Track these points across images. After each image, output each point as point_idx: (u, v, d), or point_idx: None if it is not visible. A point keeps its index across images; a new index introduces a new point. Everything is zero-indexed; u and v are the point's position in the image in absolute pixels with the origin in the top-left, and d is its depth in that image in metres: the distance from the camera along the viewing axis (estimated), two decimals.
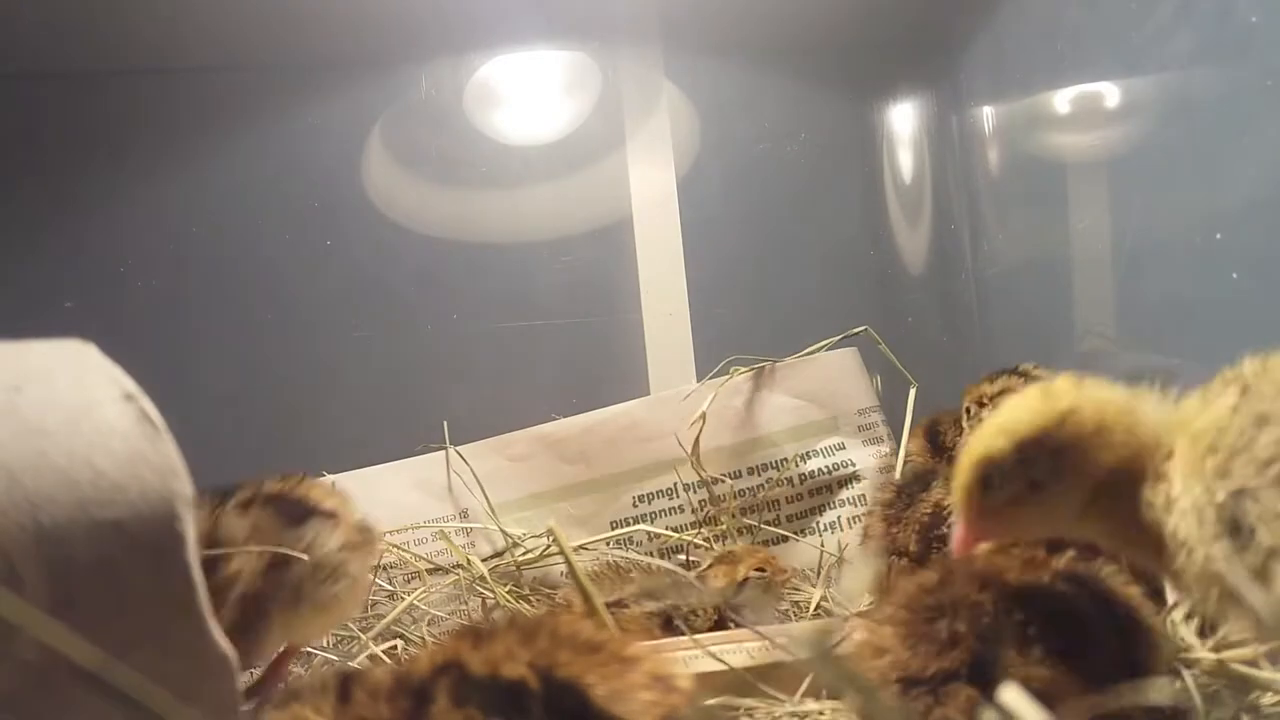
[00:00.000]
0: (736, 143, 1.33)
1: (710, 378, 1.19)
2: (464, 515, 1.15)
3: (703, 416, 1.13)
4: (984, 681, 0.52)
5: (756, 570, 0.91)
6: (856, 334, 1.20)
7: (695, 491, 1.15)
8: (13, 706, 0.36)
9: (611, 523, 1.15)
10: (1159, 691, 0.48)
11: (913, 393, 1.15)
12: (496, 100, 1.30)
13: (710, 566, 0.94)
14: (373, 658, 0.91)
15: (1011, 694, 0.40)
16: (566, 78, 1.32)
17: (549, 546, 1.08)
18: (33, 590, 0.36)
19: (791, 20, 1.29)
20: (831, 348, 1.20)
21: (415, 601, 1.02)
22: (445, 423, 1.17)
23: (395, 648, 0.96)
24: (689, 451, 1.13)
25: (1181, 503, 0.46)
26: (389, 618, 0.99)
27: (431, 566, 1.09)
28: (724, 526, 1.12)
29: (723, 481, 1.14)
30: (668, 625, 0.81)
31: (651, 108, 1.30)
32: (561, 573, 1.07)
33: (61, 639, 0.33)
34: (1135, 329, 0.97)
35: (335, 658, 0.98)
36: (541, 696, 0.37)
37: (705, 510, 1.14)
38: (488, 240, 1.30)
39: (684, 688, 0.41)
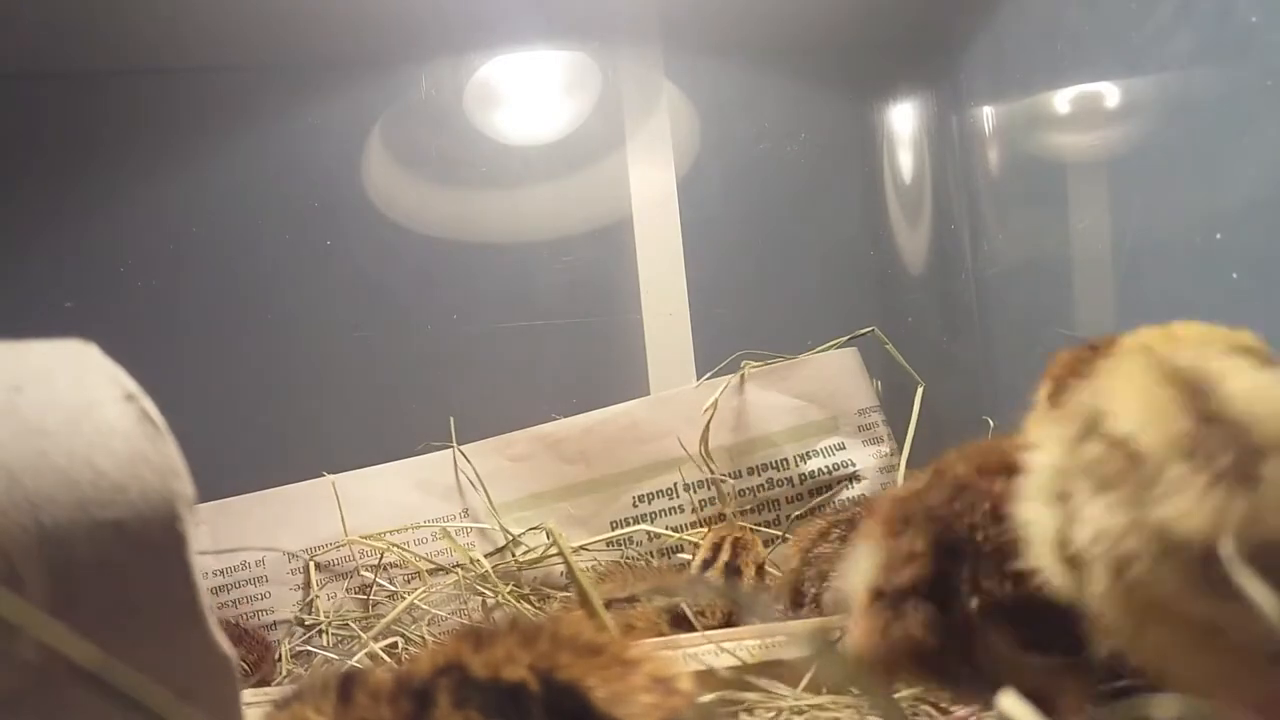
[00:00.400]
0: (736, 143, 1.33)
1: (719, 373, 1.19)
2: (464, 515, 1.15)
3: (714, 405, 1.13)
4: (943, 599, 0.50)
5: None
6: (864, 334, 1.20)
7: (695, 491, 1.15)
8: (13, 706, 0.36)
9: (611, 523, 1.15)
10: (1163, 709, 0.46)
11: (919, 392, 1.15)
12: (496, 100, 1.30)
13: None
14: (373, 657, 0.91)
15: (1009, 701, 0.40)
16: (566, 78, 1.32)
17: (549, 546, 1.08)
18: (33, 590, 0.36)
19: (791, 20, 1.29)
20: (840, 346, 1.21)
21: (416, 601, 1.02)
22: (452, 419, 1.17)
23: (395, 645, 0.97)
24: (698, 441, 1.13)
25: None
26: (389, 617, 1.00)
27: (432, 566, 1.09)
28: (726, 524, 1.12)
29: (725, 480, 1.14)
30: (677, 622, 0.81)
31: (651, 108, 1.30)
32: (560, 572, 1.07)
33: (62, 639, 0.33)
34: (1135, 329, 0.97)
35: (335, 657, 0.98)
36: (542, 699, 0.37)
37: (704, 509, 1.14)
38: (488, 240, 1.30)
39: (685, 689, 0.41)
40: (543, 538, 1.10)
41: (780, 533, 1.12)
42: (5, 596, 0.33)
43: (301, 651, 1.03)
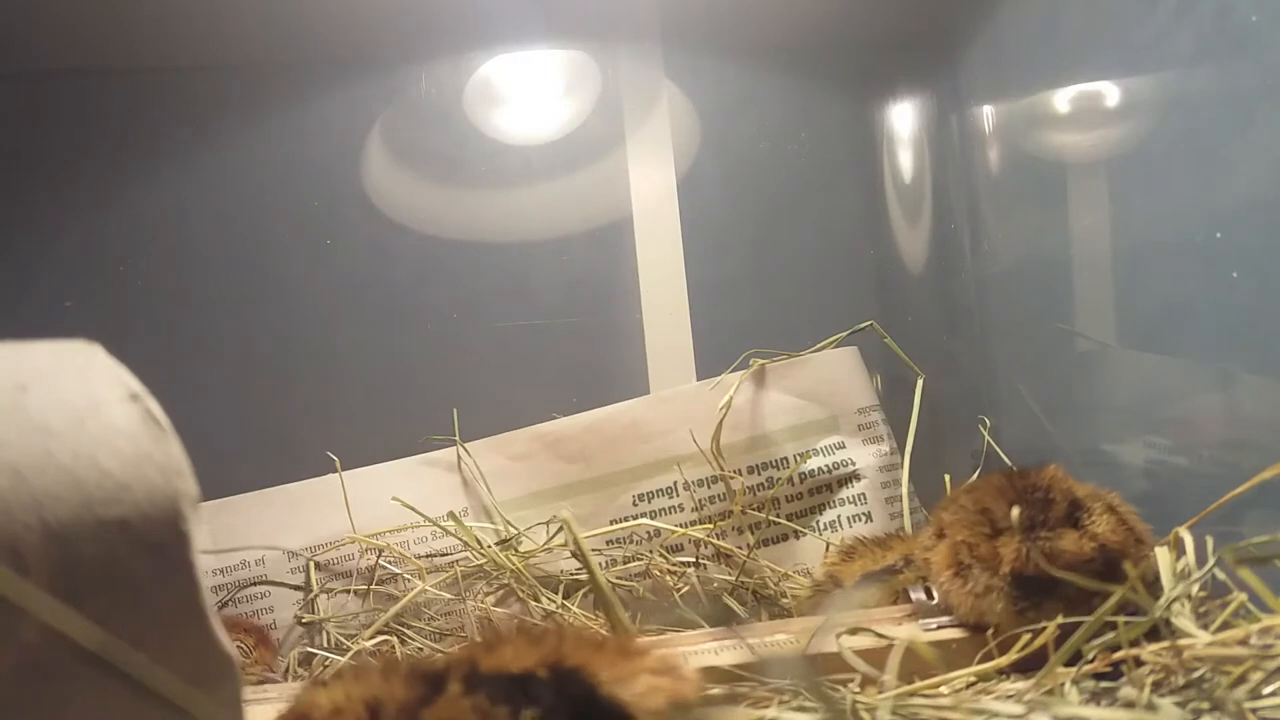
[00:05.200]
0: (736, 143, 1.33)
1: (723, 371, 1.19)
2: (465, 514, 1.15)
3: (729, 403, 1.14)
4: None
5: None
6: (863, 328, 1.21)
7: (694, 490, 1.15)
8: (14, 689, 0.36)
9: (611, 521, 1.15)
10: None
11: (920, 384, 1.15)
12: (496, 100, 1.30)
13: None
14: (373, 654, 0.92)
15: None
16: (566, 77, 1.32)
17: (554, 535, 1.08)
18: (38, 585, 0.36)
19: (791, 20, 1.29)
20: (841, 343, 1.21)
21: (415, 599, 1.02)
22: (455, 410, 1.17)
23: (391, 645, 0.97)
24: (710, 441, 1.13)
25: None
26: (388, 615, 1.00)
27: (431, 566, 1.10)
28: (733, 520, 1.12)
29: (736, 476, 1.14)
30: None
31: (651, 108, 1.30)
32: (563, 570, 1.08)
33: (65, 619, 0.34)
34: (1135, 329, 0.97)
35: (334, 656, 0.98)
36: (548, 683, 0.38)
37: (704, 507, 1.14)
38: (488, 239, 1.30)
39: (690, 676, 0.41)
40: (545, 534, 1.10)
41: (795, 528, 1.13)
42: (10, 577, 0.33)
43: (302, 651, 1.03)
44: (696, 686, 0.41)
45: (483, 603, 1.04)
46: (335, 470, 1.14)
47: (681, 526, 1.12)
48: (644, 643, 0.42)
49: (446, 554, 1.11)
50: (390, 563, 1.10)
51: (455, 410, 1.18)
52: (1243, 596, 0.60)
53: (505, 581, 1.05)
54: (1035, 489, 0.71)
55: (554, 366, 1.29)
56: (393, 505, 1.11)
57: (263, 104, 1.27)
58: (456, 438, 1.17)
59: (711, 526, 1.12)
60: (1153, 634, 0.58)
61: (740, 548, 1.10)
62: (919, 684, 0.63)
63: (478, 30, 1.28)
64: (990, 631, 0.69)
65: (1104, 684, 0.57)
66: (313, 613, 1.08)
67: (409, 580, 1.08)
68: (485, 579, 1.06)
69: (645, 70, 1.31)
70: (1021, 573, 0.67)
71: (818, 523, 1.14)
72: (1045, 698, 0.55)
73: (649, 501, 1.15)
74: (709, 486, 1.15)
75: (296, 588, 1.10)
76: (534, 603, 1.03)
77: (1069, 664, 0.59)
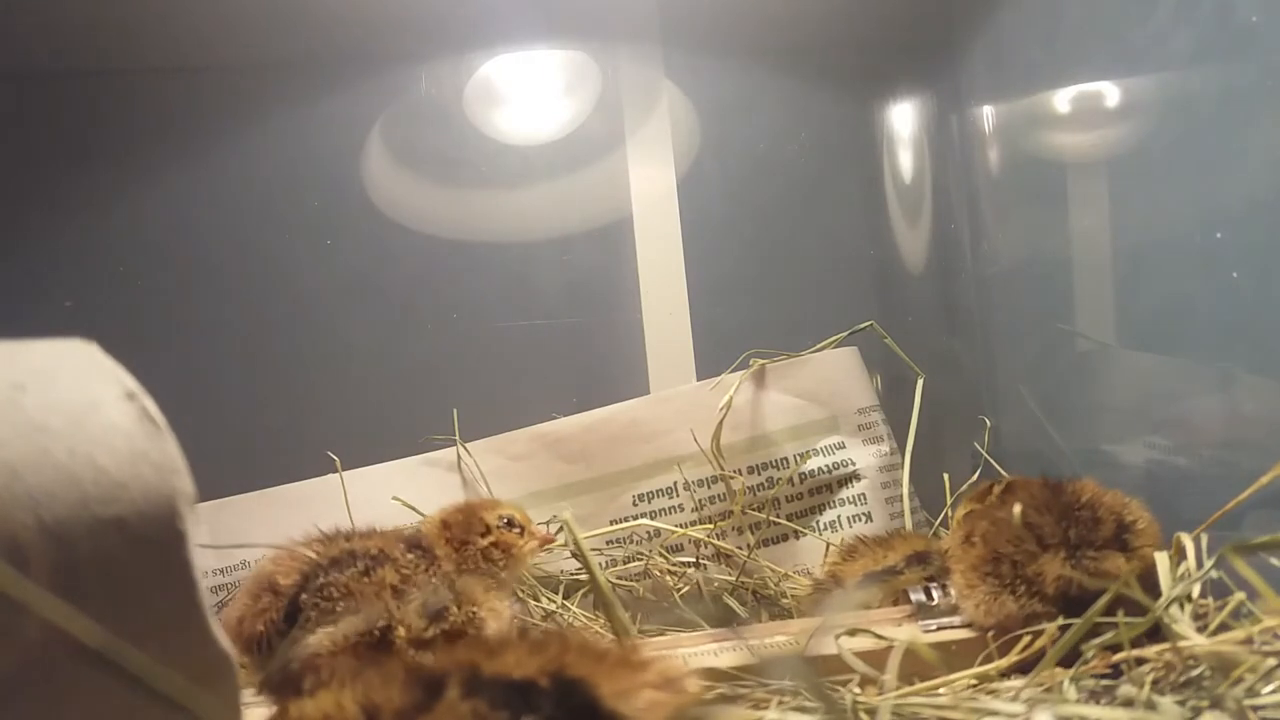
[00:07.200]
0: (736, 143, 1.33)
1: (723, 371, 1.19)
2: None
3: (729, 403, 1.13)
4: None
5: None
6: (863, 329, 1.21)
7: (694, 490, 1.15)
8: (15, 685, 0.36)
9: (611, 521, 1.15)
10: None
11: (920, 384, 1.15)
12: (496, 100, 1.30)
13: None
14: None
15: None
16: (566, 77, 1.32)
17: (556, 533, 1.08)
18: (37, 583, 0.36)
19: (791, 20, 1.29)
20: (841, 343, 1.21)
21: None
22: (455, 410, 1.17)
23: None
24: (709, 441, 1.13)
25: None
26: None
27: None
28: (733, 520, 1.12)
29: (736, 476, 1.14)
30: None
31: (651, 108, 1.30)
32: (563, 570, 1.08)
33: (66, 616, 0.34)
34: (1135, 329, 0.97)
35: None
36: (549, 692, 0.38)
37: (704, 508, 1.14)
38: (488, 239, 1.30)
39: (691, 689, 0.41)
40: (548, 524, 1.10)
41: (795, 528, 1.13)
42: (10, 574, 0.33)
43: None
44: (698, 699, 0.41)
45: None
46: (335, 470, 1.14)
47: (681, 526, 1.12)
48: (646, 655, 0.42)
49: None
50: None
51: (455, 410, 1.18)
52: (1241, 595, 0.60)
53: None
54: (1078, 505, 0.71)
55: (554, 366, 1.29)
56: (393, 505, 1.11)
57: (263, 104, 1.27)
58: (456, 438, 1.17)
59: (711, 526, 1.12)
60: (1153, 634, 0.58)
61: (740, 548, 1.09)
62: (919, 685, 0.63)
63: (478, 30, 1.28)
64: (990, 633, 0.69)
65: (1104, 683, 0.57)
66: None
67: None
68: None
69: (645, 70, 1.31)
70: (1066, 592, 0.67)
71: (818, 523, 1.14)
72: (1046, 695, 0.55)
73: (649, 501, 1.15)
74: (709, 486, 1.15)
75: None
76: (534, 602, 1.02)
77: (1068, 664, 0.59)
